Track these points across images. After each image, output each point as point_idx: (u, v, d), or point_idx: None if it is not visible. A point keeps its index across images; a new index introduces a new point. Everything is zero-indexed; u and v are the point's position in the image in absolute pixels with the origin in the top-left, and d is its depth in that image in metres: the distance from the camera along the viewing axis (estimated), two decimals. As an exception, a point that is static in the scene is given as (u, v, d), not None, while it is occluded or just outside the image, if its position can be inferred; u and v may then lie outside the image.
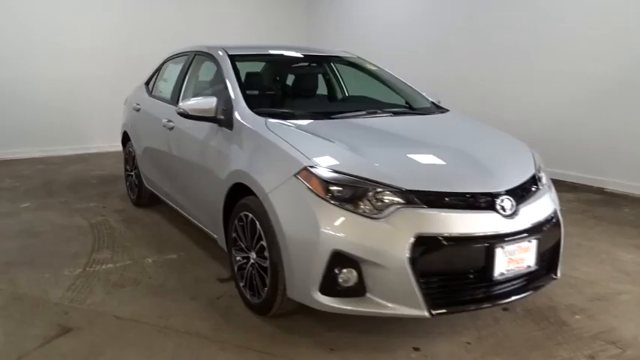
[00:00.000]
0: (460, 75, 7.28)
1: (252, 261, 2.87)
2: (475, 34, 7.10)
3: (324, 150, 2.64)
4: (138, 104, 4.82)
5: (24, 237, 4.30)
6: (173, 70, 4.47)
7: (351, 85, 4.68)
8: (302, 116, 3.14)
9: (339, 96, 4.63)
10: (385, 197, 2.38)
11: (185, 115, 3.26)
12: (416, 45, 8.09)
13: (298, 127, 2.92)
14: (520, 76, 6.53)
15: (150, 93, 4.79)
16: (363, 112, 3.33)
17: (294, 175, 2.52)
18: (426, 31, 7.92)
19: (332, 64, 4.52)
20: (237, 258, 3.02)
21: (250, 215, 2.80)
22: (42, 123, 8.10)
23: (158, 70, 4.88)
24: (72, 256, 3.86)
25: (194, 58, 4.12)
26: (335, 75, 4.66)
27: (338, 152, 2.63)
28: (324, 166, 2.49)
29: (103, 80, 8.50)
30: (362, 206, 2.37)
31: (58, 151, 8.24)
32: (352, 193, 2.40)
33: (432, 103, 3.81)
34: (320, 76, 4.48)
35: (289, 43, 10.30)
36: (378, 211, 2.35)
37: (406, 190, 2.38)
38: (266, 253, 2.69)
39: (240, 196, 2.94)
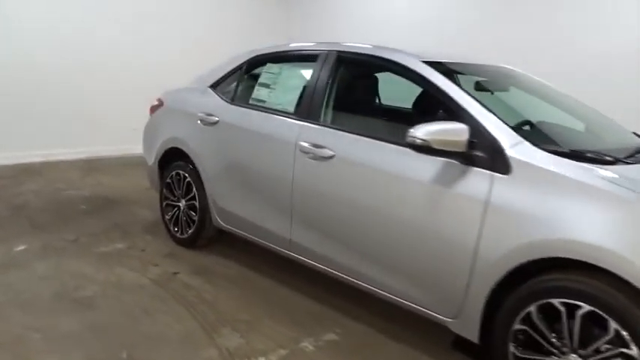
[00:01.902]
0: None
1: (575, 370, 1.98)
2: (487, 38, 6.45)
3: None
4: (210, 115, 3.57)
5: (73, 306, 2.92)
6: (283, 74, 3.33)
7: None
8: (595, 158, 2.25)
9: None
10: None
11: (425, 148, 2.25)
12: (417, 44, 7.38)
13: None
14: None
15: (231, 100, 3.57)
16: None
17: None
18: (429, 30, 7.18)
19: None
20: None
21: (586, 306, 1.92)
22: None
23: (238, 70, 3.66)
24: (183, 340, 2.63)
25: (337, 61, 3.04)
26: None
27: None
28: None
29: (52, 69, 6.76)
30: None
31: (-8, 159, 6.37)
32: None
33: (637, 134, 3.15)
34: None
35: (271, 42, 9.24)
36: None
37: None
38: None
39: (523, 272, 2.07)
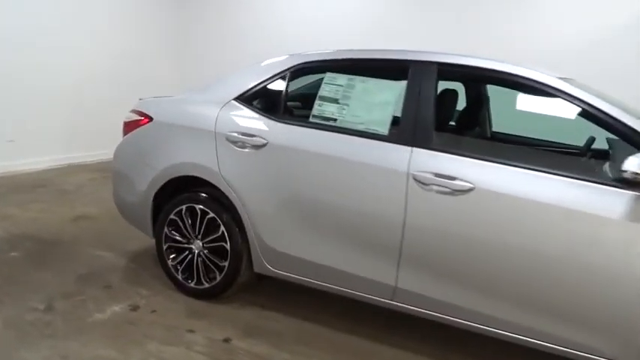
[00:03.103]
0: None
1: None
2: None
3: None
4: (251, 135, 2.86)
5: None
6: (357, 87, 2.76)
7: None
8: None
9: (488, 132, 3.60)
10: None
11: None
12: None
13: None
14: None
15: (279, 118, 2.90)
16: None
17: None
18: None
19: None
20: None
21: None
22: None
23: (278, 80, 2.98)
24: None
25: (439, 74, 2.60)
26: (488, 104, 3.64)
27: None
28: None
29: None
30: None
31: None
32: None
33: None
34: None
35: (181, 44, 8.19)
36: None
37: None
38: None
39: None
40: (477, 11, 5.97)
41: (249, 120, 2.93)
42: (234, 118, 2.97)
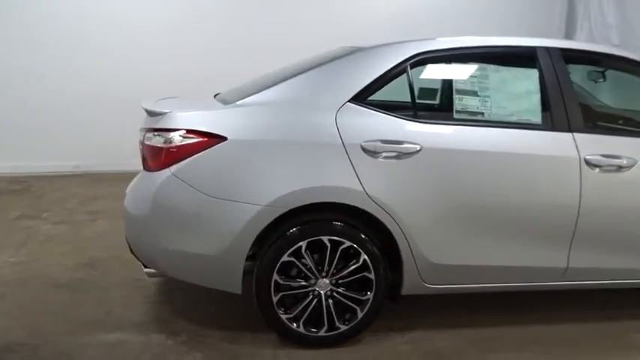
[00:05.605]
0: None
1: None
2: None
3: None
4: (398, 142, 2.43)
5: None
6: (492, 78, 2.62)
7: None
8: None
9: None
10: None
11: None
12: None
13: None
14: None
15: (417, 118, 2.54)
16: None
17: None
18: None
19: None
20: None
21: None
22: None
23: (396, 75, 2.57)
24: None
25: (565, 59, 2.71)
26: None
27: None
28: None
29: None
30: None
31: None
32: None
33: None
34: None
35: None
36: None
37: None
38: None
39: None
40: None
41: (386, 124, 2.49)
42: (364, 123, 2.47)
